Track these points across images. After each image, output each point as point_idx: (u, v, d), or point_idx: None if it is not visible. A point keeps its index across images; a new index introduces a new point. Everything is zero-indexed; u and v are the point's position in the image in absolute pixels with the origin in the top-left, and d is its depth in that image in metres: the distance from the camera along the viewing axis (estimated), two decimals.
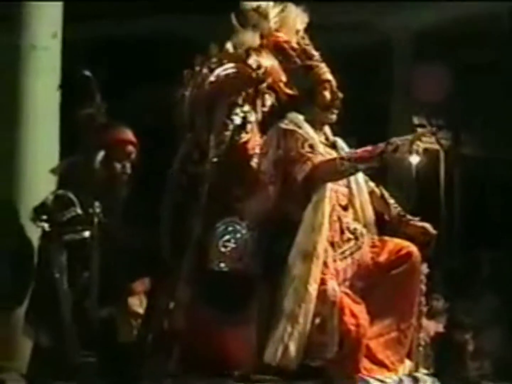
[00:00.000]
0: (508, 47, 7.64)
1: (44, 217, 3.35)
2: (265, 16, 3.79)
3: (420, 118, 9.52)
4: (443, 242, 9.03)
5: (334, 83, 3.70)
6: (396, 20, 8.09)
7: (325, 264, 3.42)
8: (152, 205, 3.50)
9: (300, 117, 3.64)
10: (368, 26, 7.97)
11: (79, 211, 3.38)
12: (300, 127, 3.59)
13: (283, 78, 3.70)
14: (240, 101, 3.86)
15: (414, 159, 10.24)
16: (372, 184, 3.87)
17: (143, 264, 3.36)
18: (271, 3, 3.85)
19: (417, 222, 3.78)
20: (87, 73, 3.50)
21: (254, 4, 3.81)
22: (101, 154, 3.46)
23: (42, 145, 5.44)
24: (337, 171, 3.47)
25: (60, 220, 3.38)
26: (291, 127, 3.57)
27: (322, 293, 3.37)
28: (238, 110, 3.83)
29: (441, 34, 7.70)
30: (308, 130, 3.61)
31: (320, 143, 3.63)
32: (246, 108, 3.87)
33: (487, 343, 5.53)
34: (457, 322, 5.80)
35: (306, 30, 3.88)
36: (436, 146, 10.23)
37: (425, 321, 6.50)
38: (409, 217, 3.81)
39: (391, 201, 3.84)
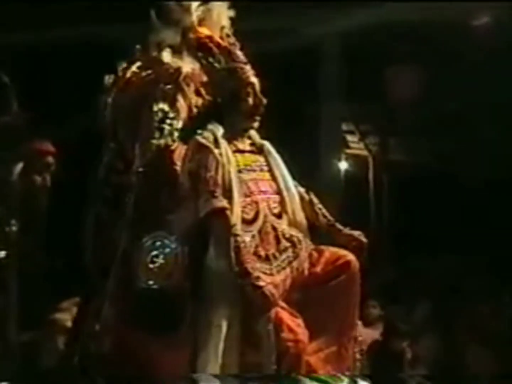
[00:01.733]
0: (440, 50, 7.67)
1: None
2: (187, 9, 3.57)
3: (348, 124, 9.54)
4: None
5: (258, 87, 3.50)
6: (324, 24, 8.05)
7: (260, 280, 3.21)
8: (75, 220, 3.27)
9: (220, 131, 3.43)
10: (295, 31, 7.90)
11: None
12: (217, 145, 3.37)
13: (203, 82, 3.52)
14: (166, 107, 3.69)
15: (343, 165, 10.26)
16: (301, 189, 3.69)
17: (67, 283, 3.12)
18: None
19: (346, 230, 3.61)
20: (4, 79, 3.24)
21: None
22: (19, 166, 3.21)
23: None
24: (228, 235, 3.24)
25: None
26: (206, 143, 3.36)
27: (258, 302, 3.14)
28: (165, 117, 3.65)
29: (369, 36, 7.68)
30: (225, 149, 3.39)
31: (237, 163, 3.40)
32: (172, 114, 3.70)
33: (424, 350, 5.48)
34: (394, 330, 5.75)
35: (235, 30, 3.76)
36: (365, 152, 10.26)
37: (362, 329, 6.46)
38: (338, 225, 3.64)
39: (320, 207, 3.66)
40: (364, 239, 3.72)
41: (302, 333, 3.23)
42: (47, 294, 3.16)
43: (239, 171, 3.47)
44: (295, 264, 3.49)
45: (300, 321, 3.28)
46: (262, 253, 3.41)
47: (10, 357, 3.03)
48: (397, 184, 9.73)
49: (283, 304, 3.31)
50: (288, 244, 3.51)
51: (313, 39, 7.97)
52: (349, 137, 9.44)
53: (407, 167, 9.80)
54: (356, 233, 3.71)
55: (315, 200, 3.77)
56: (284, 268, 3.45)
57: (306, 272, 3.51)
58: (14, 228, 3.22)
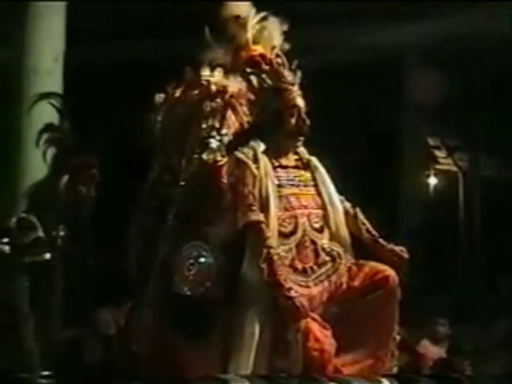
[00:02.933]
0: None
1: (5, 240, 3.38)
2: (243, 26, 3.72)
3: (435, 140, 9.43)
4: (458, 265, 8.97)
5: (303, 109, 3.60)
6: (405, 38, 8.05)
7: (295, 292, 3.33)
8: (121, 228, 3.50)
9: (261, 148, 3.57)
10: (376, 45, 7.94)
11: (40, 234, 3.41)
12: (256, 161, 3.50)
13: (249, 101, 3.66)
14: (217, 124, 3.86)
15: (432, 181, 10.14)
16: (347, 204, 3.77)
17: (109, 286, 3.36)
18: (251, 12, 3.74)
19: (388, 246, 3.66)
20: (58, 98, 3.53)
21: (234, 12, 3.72)
22: (65, 178, 3.48)
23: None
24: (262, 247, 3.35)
25: (21, 243, 3.40)
26: (244, 158, 3.51)
27: (288, 313, 3.27)
28: (214, 133, 3.83)
29: (452, 50, 7.62)
30: (264, 165, 3.51)
31: (278, 178, 3.51)
32: (224, 131, 3.87)
33: (497, 369, 5.39)
34: (458, 349, 5.68)
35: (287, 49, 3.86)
36: (454, 168, 10.09)
37: (429, 346, 6.42)
38: (381, 241, 3.69)
39: (364, 222, 3.73)
40: (406, 255, 3.81)
41: (329, 343, 3.34)
42: (91, 296, 3.40)
43: (280, 186, 3.60)
44: (333, 278, 3.59)
45: (328, 332, 3.38)
46: (299, 266, 3.53)
47: (52, 352, 3.29)
48: (488, 200, 9.55)
49: (314, 315, 3.42)
50: (327, 258, 3.61)
51: (397, 51, 8.00)
52: (437, 153, 9.35)
53: (499, 184, 9.62)
54: (398, 248, 3.77)
55: (360, 215, 3.83)
56: (322, 281, 3.56)
57: (344, 286, 3.62)
58: (61, 233, 3.52)
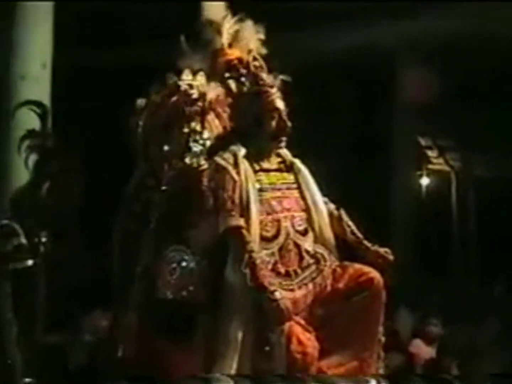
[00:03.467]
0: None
1: None
2: (218, 30, 3.72)
3: (426, 140, 9.44)
4: (454, 266, 8.97)
5: (283, 111, 3.59)
6: (397, 37, 8.06)
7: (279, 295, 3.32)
8: (103, 232, 3.50)
9: (241, 152, 3.55)
10: (367, 44, 7.95)
11: (23, 240, 3.41)
12: (236, 166, 3.49)
13: (228, 106, 3.67)
14: (199, 128, 3.87)
15: (424, 181, 10.15)
16: (332, 206, 3.76)
17: (94, 291, 3.36)
18: (226, 16, 3.73)
19: (373, 247, 3.66)
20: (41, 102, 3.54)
21: (209, 15, 3.69)
22: (47, 184, 3.49)
23: None
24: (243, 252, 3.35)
25: (3, 250, 3.41)
26: (223, 163, 3.49)
27: (272, 312, 3.26)
28: (197, 137, 3.83)
29: (447, 49, 7.61)
30: (245, 169, 3.50)
31: (259, 182, 3.51)
32: (206, 135, 3.87)
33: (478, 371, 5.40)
34: (447, 348, 5.69)
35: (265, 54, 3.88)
36: (446, 168, 10.10)
37: (421, 345, 6.41)
38: (366, 242, 3.69)
39: (349, 224, 3.72)
40: (390, 257, 3.81)
41: (312, 346, 3.33)
42: (76, 301, 3.40)
43: (262, 190, 3.59)
44: (318, 280, 3.58)
45: (311, 335, 3.38)
46: (282, 269, 3.52)
47: (36, 358, 3.30)
48: (481, 200, 9.56)
49: (298, 318, 3.42)
50: (311, 261, 3.60)
51: (388, 51, 8.00)
52: (429, 153, 9.36)
53: (492, 183, 9.62)
54: (383, 250, 3.77)
55: (345, 217, 3.83)
56: (306, 284, 3.55)
57: (329, 288, 3.60)
58: (43, 239, 3.52)
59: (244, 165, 3.56)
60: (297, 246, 3.59)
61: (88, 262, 3.53)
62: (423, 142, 8.99)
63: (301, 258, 3.58)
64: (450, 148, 9.44)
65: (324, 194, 3.90)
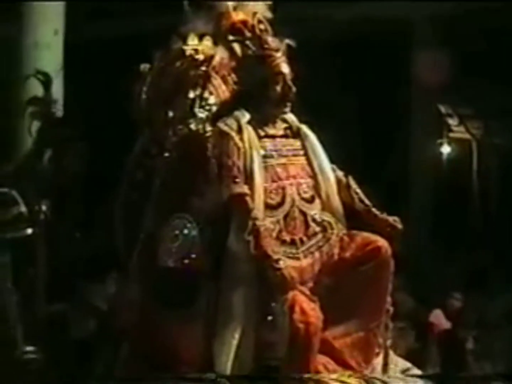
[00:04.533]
0: None
1: None
2: None
3: (446, 108, 9.25)
4: (471, 236, 8.84)
5: (288, 75, 3.50)
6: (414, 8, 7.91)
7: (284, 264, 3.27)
8: (107, 201, 3.46)
9: (245, 118, 3.48)
10: (382, 16, 7.81)
11: (22, 209, 3.38)
12: (239, 131, 3.43)
13: (233, 70, 3.59)
14: (205, 93, 3.80)
15: (445, 149, 9.98)
16: (340, 173, 3.68)
17: (96, 260, 3.34)
18: None
19: (382, 215, 3.58)
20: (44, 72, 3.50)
21: None
22: (49, 152, 3.45)
23: None
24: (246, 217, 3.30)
25: (2, 219, 3.39)
26: (227, 129, 3.43)
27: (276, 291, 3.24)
28: (203, 103, 3.76)
29: (464, 19, 7.44)
30: (248, 135, 3.43)
31: (264, 148, 3.44)
32: (212, 101, 3.80)
33: (494, 344, 5.33)
34: (460, 320, 5.63)
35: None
36: (467, 136, 9.91)
37: (441, 316, 6.38)
38: (374, 210, 3.61)
39: (357, 191, 3.63)
40: (399, 225, 3.73)
41: (315, 316, 3.27)
42: (77, 270, 3.38)
43: (266, 156, 3.52)
44: (324, 248, 3.53)
45: (315, 305, 3.31)
46: (287, 237, 3.46)
47: (37, 325, 3.30)
48: (503, 168, 9.38)
49: (302, 288, 3.36)
50: (318, 229, 3.53)
51: (404, 23, 7.87)
52: (450, 120, 9.19)
53: None
54: (392, 218, 3.69)
55: (353, 184, 3.74)
56: (312, 253, 3.50)
57: (336, 256, 3.54)
58: (44, 208, 3.48)
59: (248, 131, 3.49)
60: (303, 214, 3.52)
61: (90, 231, 3.50)
62: (443, 110, 8.82)
63: (307, 226, 3.52)
64: (471, 116, 9.27)
65: (332, 161, 3.85)
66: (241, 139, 3.43)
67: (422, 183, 8.64)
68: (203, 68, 3.70)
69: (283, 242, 3.44)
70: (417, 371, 3.83)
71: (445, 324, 6.34)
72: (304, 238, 3.50)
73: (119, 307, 3.43)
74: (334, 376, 3.34)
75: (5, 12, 6.34)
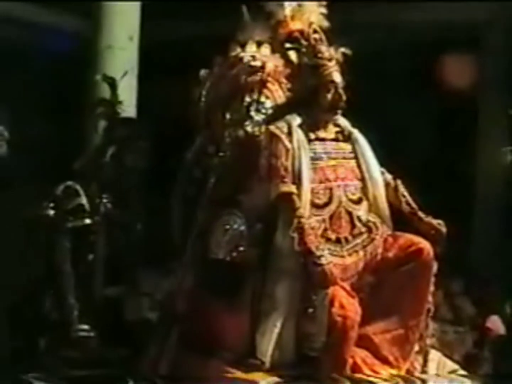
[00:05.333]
0: None
1: (51, 204, 3.69)
2: (281, 4, 3.84)
3: None
4: None
5: (339, 84, 3.68)
6: (486, 13, 7.88)
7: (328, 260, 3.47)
8: (164, 196, 3.71)
9: (296, 121, 3.67)
10: (455, 21, 7.82)
11: (83, 201, 3.68)
12: (289, 134, 3.62)
13: (286, 77, 3.80)
14: (262, 98, 4.00)
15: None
16: (388, 176, 3.87)
17: (154, 250, 3.59)
18: None
19: (427, 219, 3.75)
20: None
21: None
22: (112, 149, 3.73)
23: None
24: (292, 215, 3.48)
25: (64, 208, 3.70)
26: (277, 132, 3.63)
27: (316, 279, 3.41)
28: (260, 107, 3.97)
29: None
30: (298, 138, 3.62)
31: (313, 150, 3.62)
32: (268, 105, 4.00)
33: None
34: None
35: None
36: None
37: (498, 321, 6.41)
38: (420, 213, 3.78)
39: (404, 195, 3.81)
40: (443, 229, 3.86)
41: (353, 311, 3.45)
42: (136, 258, 3.64)
43: (315, 158, 3.71)
44: (369, 248, 3.71)
45: (354, 301, 3.50)
46: (333, 236, 3.66)
47: (92, 307, 3.59)
48: None
49: (342, 283, 3.55)
50: (363, 229, 3.73)
51: (472, 27, 7.85)
52: None
53: None
54: (436, 221, 3.84)
55: (401, 187, 3.92)
56: (357, 252, 3.69)
57: (379, 256, 3.71)
58: (104, 200, 3.77)
59: (298, 134, 3.70)
60: (349, 214, 3.71)
61: (149, 223, 3.78)
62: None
63: (353, 226, 3.71)
64: None
65: (382, 164, 4.00)
66: (290, 141, 3.64)
67: (489, 191, 8.59)
68: (260, 74, 3.94)
69: (328, 240, 3.64)
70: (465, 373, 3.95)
71: (502, 329, 6.37)
72: (350, 237, 3.69)
73: (173, 294, 3.69)
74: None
75: (81, 12, 6.61)
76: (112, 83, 3.89)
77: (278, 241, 3.58)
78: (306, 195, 3.62)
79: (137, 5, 6.32)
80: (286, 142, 3.63)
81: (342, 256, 3.65)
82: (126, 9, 6.26)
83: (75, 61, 6.52)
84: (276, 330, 3.46)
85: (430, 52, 7.62)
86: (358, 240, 3.68)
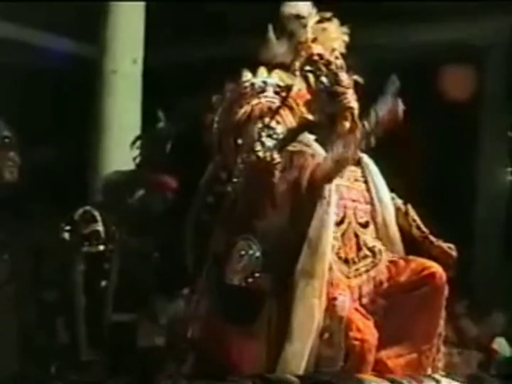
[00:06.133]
0: None
1: (68, 227, 3.72)
2: (304, 25, 3.82)
3: None
4: None
5: (356, 111, 3.68)
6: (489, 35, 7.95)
7: (334, 281, 3.52)
8: (180, 223, 3.74)
9: (311, 137, 3.70)
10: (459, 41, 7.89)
11: (99, 227, 3.71)
12: (308, 146, 3.65)
13: (307, 101, 3.79)
14: (273, 123, 4.03)
15: None
16: (399, 201, 3.92)
17: (168, 276, 3.61)
18: (312, 12, 3.84)
19: (437, 242, 3.80)
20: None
21: (295, 10, 3.81)
22: (140, 192, 3.79)
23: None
24: (326, 171, 3.50)
25: (80, 233, 3.72)
26: (298, 148, 3.66)
27: (331, 308, 3.48)
28: (271, 132, 4.00)
29: None
30: (317, 148, 3.66)
31: None
32: (280, 130, 4.03)
33: None
34: None
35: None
36: None
37: (503, 344, 6.44)
38: (431, 237, 3.83)
39: (415, 219, 3.85)
40: (454, 252, 3.90)
41: (370, 334, 3.49)
42: (150, 285, 3.66)
43: None
44: (372, 273, 3.72)
45: (370, 323, 3.53)
46: (343, 255, 3.68)
47: (102, 332, 3.60)
48: None
49: (358, 306, 3.59)
50: (368, 253, 3.75)
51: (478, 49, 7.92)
52: None
53: None
54: (446, 245, 3.89)
55: (411, 212, 3.97)
56: (360, 275, 3.70)
57: (384, 284, 3.71)
58: (120, 230, 3.78)
59: (316, 146, 3.67)
60: (357, 236, 3.74)
61: (164, 250, 3.81)
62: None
63: (359, 249, 3.73)
64: None
65: (392, 189, 4.03)
66: (312, 155, 3.63)
67: (490, 212, 8.64)
68: (272, 99, 3.97)
69: (339, 258, 3.66)
70: None
71: (507, 352, 6.40)
72: (356, 259, 3.71)
73: (187, 321, 3.70)
74: None
75: (85, 40, 6.66)
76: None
77: (299, 268, 3.53)
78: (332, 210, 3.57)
79: (141, 29, 6.40)
80: (310, 153, 3.62)
81: (348, 277, 3.66)
82: (130, 32, 6.37)
83: (80, 84, 6.56)
84: (304, 355, 3.42)
85: (430, 73, 7.69)
86: (362, 263, 3.70)
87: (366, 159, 3.90)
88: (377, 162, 3.98)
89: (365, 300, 3.62)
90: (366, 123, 3.88)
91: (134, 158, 4.35)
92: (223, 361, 3.49)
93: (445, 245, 3.83)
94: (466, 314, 7.16)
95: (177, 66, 7.31)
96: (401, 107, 3.72)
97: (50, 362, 3.85)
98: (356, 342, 3.42)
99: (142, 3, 6.33)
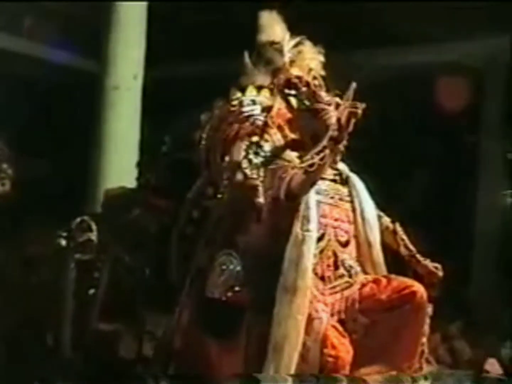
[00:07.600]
0: None
1: (64, 234, 3.82)
2: (280, 51, 3.98)
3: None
4: None
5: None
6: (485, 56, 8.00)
7: (313, 297, 3.56)
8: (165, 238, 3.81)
9: (293, 154, 3.76)
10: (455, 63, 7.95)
11: (93, 237, 3.80)
12: (290, 162, 3.70)
13: (287, 120, 3.89)
14: (261, 141, 4.10)
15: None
16: (387, 219, 3.96)
17: (151, 290, 3.69)
18: (286, 37, 4.02)
19: (424, 262, 3.83)
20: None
21: (270, 38, 3.98)
22: (136, 211, 3.89)
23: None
24: (301, 179, 3.55)
25: (75, 241, 3.82)
26: (280, 164, 3.72)
27: (309, 325, 3.52)
28: (259, 150, 4.07)
29: None
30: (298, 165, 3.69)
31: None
32: (267, 148, 4.10)
33: None
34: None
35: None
36: None
37: (496, 364, 6.46)
38: (418, 256, 3.87)
39: (403, 238, 3.89)
40: (440, 272, 3.93)
41: (345, 351, 3.53)
42: (136, 297, 3.73)
43: (316, 192, 3.76)
44: (346, 292, 3.75)
45: (346, 340, 3.58)
46: (319, 271, 3.72)
47: (86, 338, 3.68)
48: None
49: (335, 323, 3.63)
50: (345, 273, 3.78)
51: (475, 71, 7.98)
52: None
53: None
54: (432, 265, 3.92)
55: (399, 230, 4.00)
56: (336, 293, 3.73)
57: (356, 305, 3.72)
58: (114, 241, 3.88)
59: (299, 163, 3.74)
60: (335, 255, 3.77)
61: (154, 266, 3.91)
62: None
63: (336, 267, 3.77)
64: None
65: (381, 209, 4.05)
66: (293, 168, 3.66)
67: (488, 233, 8.64)
68: (260, 117, 4.04)
69: (316, 274, 3.69)
70: None
71: (499, 372, 6.40)
72: (332, 277, 3.74)
73: (171, 331, 3.76)
74: None
75: (86, 56, 6.75)
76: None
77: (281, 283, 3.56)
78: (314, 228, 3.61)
79: (142, 45, 6.50)
80: (291, 166, 3.64)
81: (323, 294, 3.68)
82: (131, 48, 6.46)
83: (81, 98, 6.66)
84: (290, 368, 3.47)
85: (429, 94, 7.75)
86: (338, 282, 3.73)
87: (353, 178, 3.94)
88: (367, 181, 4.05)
89: (338, 318, 3.64)
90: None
91: (138, 178, 4.50)
92: (201, 372, 3.55)
93: (431, 265, 3.87)
94: (461, 335, 7.17)
95: (177, 81, 7.41)
96: (360, 106, 3.72)
97: (38, 365, 3.94)
98: (330, 359, 3.46)
99: (144, 20, 6.45)
